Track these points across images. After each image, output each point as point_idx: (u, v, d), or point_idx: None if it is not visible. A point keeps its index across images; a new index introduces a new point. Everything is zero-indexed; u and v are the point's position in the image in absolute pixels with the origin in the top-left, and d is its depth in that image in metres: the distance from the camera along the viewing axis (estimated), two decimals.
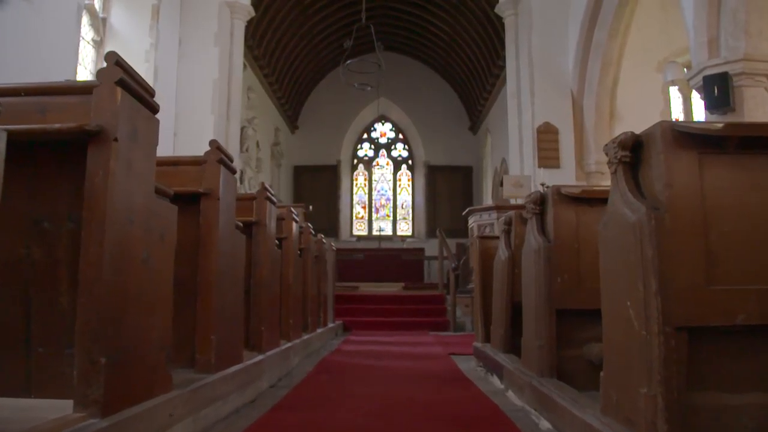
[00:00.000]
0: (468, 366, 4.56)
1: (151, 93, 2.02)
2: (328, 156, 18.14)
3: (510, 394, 3.19)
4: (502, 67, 13.54)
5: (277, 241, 4.20)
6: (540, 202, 2.96)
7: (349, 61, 10.57)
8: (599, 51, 9.30)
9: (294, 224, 4.67)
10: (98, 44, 8.65)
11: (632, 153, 1.84)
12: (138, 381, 1.86)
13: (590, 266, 2.78)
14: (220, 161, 2.74)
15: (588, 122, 9.51)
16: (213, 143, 2.76)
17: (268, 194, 3.70)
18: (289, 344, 4.36)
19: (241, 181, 12.92)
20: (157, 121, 2.06)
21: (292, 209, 4.70)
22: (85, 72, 8.37)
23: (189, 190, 2.67)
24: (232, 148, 9.90)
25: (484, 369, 4.15)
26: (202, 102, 9.31)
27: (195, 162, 2.79)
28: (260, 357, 3.42)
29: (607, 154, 1.93)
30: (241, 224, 3.13)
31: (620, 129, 10.08)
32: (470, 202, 16.49)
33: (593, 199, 2.85)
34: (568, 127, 9.39)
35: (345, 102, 17.75)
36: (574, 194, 2.80)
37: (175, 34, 9.37)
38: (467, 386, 3.58)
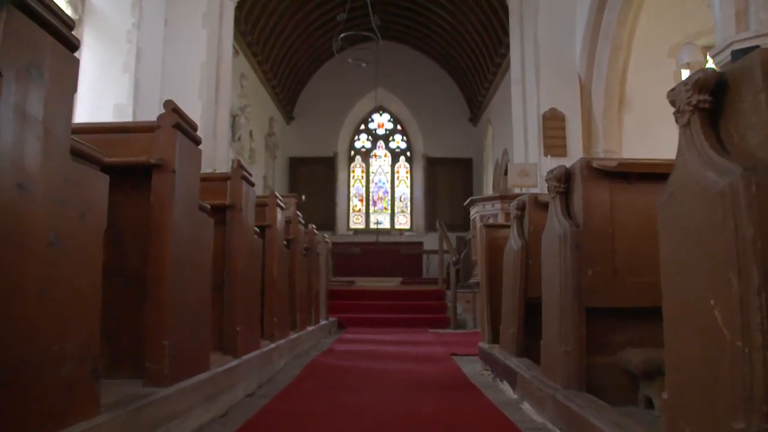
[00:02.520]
0: (473, 369, 4.08)
1: (68, 24, 1.52)
2: (324, 147, 17.59)
3: (526, 406, 2.70)
4: (505, 55, 13.05)
5: (258, 230, 3.72)
6: (565, 178, 2.47)
7: (343, 34, 10.04)
8: (609, 34, 8.79)
9: (279, 211, 4.17)
10: (76, 22, 8.12)
11: (713, 97, 1.35)
12: (39, 406, 1.38)
13: (627, 255, 2.30)
14: (177, 126, 2.25)
15: (596, 109, 9.02)
16: (168, 104, 2.26)
17: (245, 174, 3.21)
18: (273, 345, 3.87)
19: None
20: (77, 61, 1.56)
21: (277, 195, 4.21)
22: None
23: (135, 161, 2.18)
24: (222, 135, 9.41)
25: (492, 374, 3.67)
26: (189, 86, 8.79)
27: (149, 128, 2.30)
28: (234, 362, 2.93)
29: (673, 103, 1.44)
30: (208, 206, 2.64)
31: (630, 116, 9.59)
32: (470, 195, 15.81)
33: (631, 174, 2.36)
34: (576, 114, 8.89)
35: (342, 92, 17.26)
36: (609, 168, 2.31)
37: (161, 13, 8.84)
38: (474, 395, 3.09)
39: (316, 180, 17.20)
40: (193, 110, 8.69)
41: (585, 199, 2.34)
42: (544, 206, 3.29)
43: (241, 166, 3.20)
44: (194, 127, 2.44)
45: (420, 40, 17.06)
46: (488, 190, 15.39)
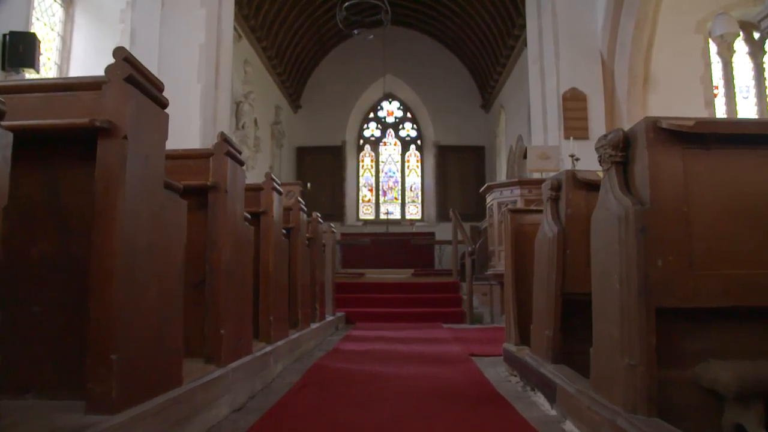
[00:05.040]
0: (496, 374, 3.59)
1: None
2: (332, 136, 17.07)
3: (570, 428, 2.21)
4: (518, 37, 12.48)
5: (251, 216, 3.24)
6: (624, 145, 1.96)
7: (347, 3, 9.49)
8: (633, 7, 8.19)
9: (275, 196, 3.69)
10: (67, 3, 7.67)
11: None
12: None
13: (708, 240, 1.80)
14: (131, 80, 1.76)
15: (620, 88, 8.45)
16: (119, 52, 1.77)
17: (230, 149, 2.72)
18: (269, 348, 3.39)
19: None
20: None
21: (273, 177, 3.72)
22: (51, 33, 7.41)
23: (73, 123, 1.69)
24: (222, 120, 8.91)
25: (521, 382, 3.18)
26: (187, 69, 8.30)
27: (97, 85, 1.81)
28: (217, 372, 2.46)
29: None
30: (179, 185, 2.15)
31: (656, 96, 9.00)
32: (483, 183, 15.26)
33: (710, 138, 1.85)
34: (598, 94, 8.33)
35: (350, 80, 16.75)
36: (684, 128, 1.79)
37: None
38: (504, 410, 2.60)
39: (324, 170, 16.71)
40: (192, 94, 8.25)
41: (652, 169, 1.83)
42: (585, 185, 2.79)
43: (226, 140, 2.72)
44: (158, 86, 1.96)
45: (429, 24, 16.47)
46: (501, 178, 14.83)
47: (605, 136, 2.01)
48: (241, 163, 2.92)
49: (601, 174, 2.79)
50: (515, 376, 3.36)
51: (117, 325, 1.65)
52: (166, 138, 2.02)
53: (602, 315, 1.99)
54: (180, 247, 2.12)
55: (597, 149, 2.05)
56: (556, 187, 2.89)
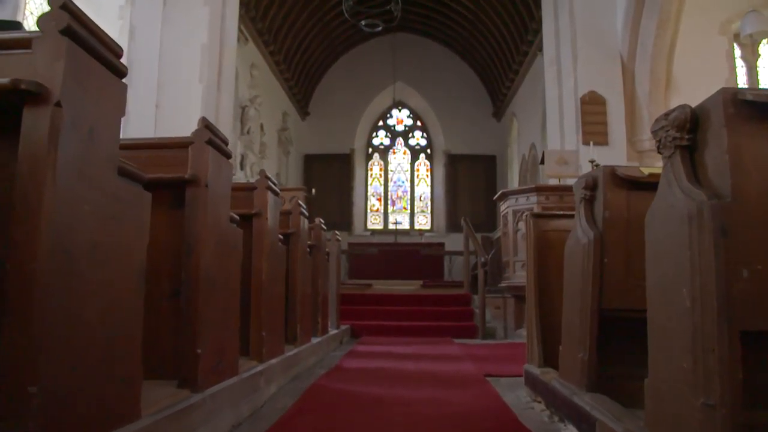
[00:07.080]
0: (517, 399, 3.18)
1: None
2: (340, 144, 16.72)
3: None
4: (531, 43, 12.13)
5: (239, 218, 2.86)
6: (690, 126, 1.56)
7: None
8: (655, 6, 7.80)
9: (270, 197, 3.30)
10: None
11: None
12: None
13: None
14: (69, 33, 1.38)
15: (641, 91, 8.04)
16: (56, 1, 1.40)
17: (212, 137, 2.34)
18: (260, 367, 3.00)
19: (242, 167, 11.62)
20: None
21: (269, 176, 3.34)
22: None
23: None
24: (225, 123, 8.56)
25: (548, 411, 2.76)
26: (189, 69, 7.97)
27: (28, 43, 1.44)
28: (192, 399, 2.06)
29: None
30: (142, 175, 1.77)
31: (678, 99, 8.54)
32: (494, 193, 14.86)
33: None
34: (618, 97, 7.92)
35: (359, 87, 16.45)
36: None
37: None
38: None
39: (332, 178, 16.36)
40: (193, 95, 7.91)
41: (732, 153, 1.43)
42: (625, 183, 2.40)
43: (207, 127, 2.34)
44: (112, 49, 1.59)
45: (440, 30, 16.14)
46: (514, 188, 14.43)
47: (666, 115, 1.61)
48: (228, 155, 2.54)
49: (644, 170, 2.40)
50: (539, 402, 2.94)
51: (39, 348, 1.26)
52: (122, 114, 1.64)
53: (664, 339, 1.58)
54: (140, 249, 1.74)
55: (655, 132, 1.65)
56: (591, 186, 2.49)
